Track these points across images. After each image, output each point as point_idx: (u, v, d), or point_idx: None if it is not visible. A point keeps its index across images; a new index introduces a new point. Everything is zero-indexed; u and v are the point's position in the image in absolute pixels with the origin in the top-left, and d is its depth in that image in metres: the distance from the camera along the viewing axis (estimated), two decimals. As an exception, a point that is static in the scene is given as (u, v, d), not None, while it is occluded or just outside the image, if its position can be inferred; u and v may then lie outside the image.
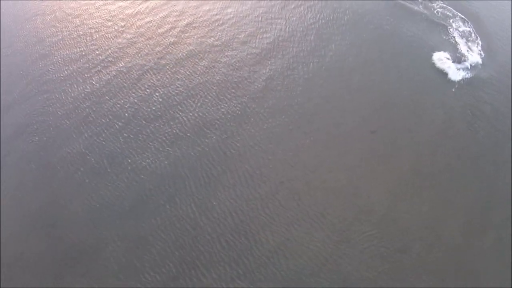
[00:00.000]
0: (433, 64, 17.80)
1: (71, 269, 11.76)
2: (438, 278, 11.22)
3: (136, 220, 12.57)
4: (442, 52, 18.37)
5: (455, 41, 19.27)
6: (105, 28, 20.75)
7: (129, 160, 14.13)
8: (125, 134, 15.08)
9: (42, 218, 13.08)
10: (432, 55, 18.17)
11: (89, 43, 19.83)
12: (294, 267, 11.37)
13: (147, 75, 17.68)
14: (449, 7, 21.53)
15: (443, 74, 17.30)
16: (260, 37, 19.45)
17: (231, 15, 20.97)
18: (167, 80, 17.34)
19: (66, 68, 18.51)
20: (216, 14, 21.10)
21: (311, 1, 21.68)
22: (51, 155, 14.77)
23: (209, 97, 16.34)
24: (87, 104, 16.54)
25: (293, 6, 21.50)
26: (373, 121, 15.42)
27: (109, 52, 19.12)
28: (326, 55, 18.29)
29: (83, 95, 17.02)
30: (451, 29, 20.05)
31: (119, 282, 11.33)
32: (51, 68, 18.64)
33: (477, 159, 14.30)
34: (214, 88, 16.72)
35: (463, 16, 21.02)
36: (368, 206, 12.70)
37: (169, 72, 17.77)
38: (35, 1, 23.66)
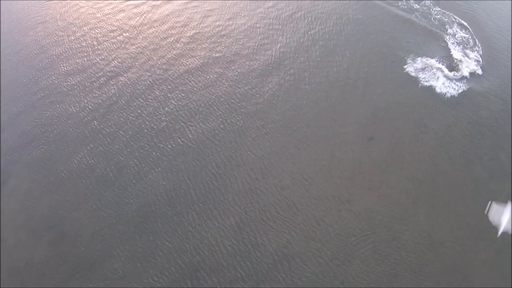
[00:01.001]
0: (429, 72, 18.32)
1: (77, 273, 12.49)
2: (433, 280, 11.99)
3: (140, 226, 13.32)
4: (437, 62, 18.83)
5: (452, 49, 19.74)
6: (109, 39, 21.47)
7: (134, 169, 14.89)
8: (129, 144, 15.80)
9: (50, 224, 13.79)
10: (428, 63, 18.69)
11: (95, 54, 20.55)
12: (292, 271, 12.10)
13: (151, 86, 18.39)
14: (447, 12, 21.98)
15: (439, 83, 17.86)
16: (259, 44, 20.14)
17: (231, 23, 21.66)
18: (170, 90, 18.05)
19: (72, 78, 19.21)
20: (217, 20, 21.82)
21: (310, 11, 22.36)
22: (57, 163, 15.52)
23: (211, 107, 17.04)
24: (93, 113, 17.27)
25: (290, 13, 22.16)
26: (370, 128, 16.08)
27: (115, 63, 19.82)
28: (322, 60, 18.96)
29: (88, 104, 17.75)
30: (448, 37, 20.46)
31: (124, 284, 12.09)
32: (56, 78, 19.37)
33: (473, 164, 14.96)
34: (214, 97, 17.43)
35: (460, 21, 21.48)
36: (363, 212, 13.40)
37: (172, 82, 18.46)
38: (39, 8, 24.43)
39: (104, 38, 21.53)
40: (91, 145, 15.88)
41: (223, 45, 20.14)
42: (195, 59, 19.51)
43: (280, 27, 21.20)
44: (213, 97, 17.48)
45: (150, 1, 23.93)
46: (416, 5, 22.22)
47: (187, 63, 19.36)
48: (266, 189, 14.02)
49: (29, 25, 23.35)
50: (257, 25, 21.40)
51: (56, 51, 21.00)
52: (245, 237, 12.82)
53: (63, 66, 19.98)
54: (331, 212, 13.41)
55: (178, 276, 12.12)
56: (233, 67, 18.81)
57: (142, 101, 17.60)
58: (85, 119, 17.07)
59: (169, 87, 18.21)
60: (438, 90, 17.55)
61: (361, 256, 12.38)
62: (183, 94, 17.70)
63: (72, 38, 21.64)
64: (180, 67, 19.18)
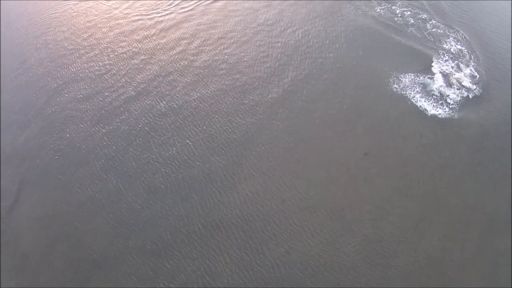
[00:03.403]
0: (423, 88, 19.43)
1: (90, 278, 14.22)
2: (421, 285, 13.66)
3: (150, 236, 15.00)
4: (431, 78, 19.76)
5: (448, 64, 20.55)
6: (123, 64, 22.55)
7: (143, 183, 16.54)
8: (139, 159, 17.40)
9: (64, 234, 15.44)
10: (422, 80, 19.77)
11: (104, 78, 21.65)
12: (291, 278, 13.80)
13: (161, 108, 19.74)
14: (443, 25, 22.82)
15: (432, 99, 19.09)
16: (260, 60, 21.71)
17: (238, 51, 23.04)
18: (175, 99, 19.58)
19: (86, 100, 20.46)
20: (228, 48, 23.46)
21: (308, 26, 23.84)
22: (69, 176, 17.13)
23: (214, 126, 18.49)
24: (104, 130, 18.77)
25: (289, 30, 23.67)
26: (365, 144, 17.56)
27: (126, 86, 20.98)
28: (318, 78, 20.44)
29: (100, 121, 19.29)
30: (444, 52, 21.15)
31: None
32: (69, 100, 20.67)
33: (459, 180, 16.49)
34: (217, 116, 18.89)
35: (457, 33, 22.38)
36: (355, 225, 15.04)
37: (176, 98, 19.96)
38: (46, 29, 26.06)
39: (116, 60, 22.77)
40: (103, 161, 17.54)
41: (228, 72, 21.30)
42: (206, 87, 20.61)
43: (280, 38, 22.65)
44: (217, 116, 18.93)
45: (159, 23, 25.32)
46: (412, 19, 23.10)
47: (199, 91, 20.45)
48: (266, 203, 15.69)
49: (38, 43, 24.63)
50: (259, 38, 22.90)
51: (67, 72, 22.32)
52: (244, 248, 14.49)
53: (75, 87, 21.31)
54: (326, 224, 15.07)
55: (186, 281, 13.84)
56: (240, 94, 20.01)
57: (150, 119, 19.10)
58: (98, 136, 18.59)
59: (176, 104, 19.67)
60: (430, 106, 18.72)
61: (354, 264, 14.12)
62: (187, 109, 19.22)
63: (85, 58, 22.92)
64: (189, 92, 20.33)
